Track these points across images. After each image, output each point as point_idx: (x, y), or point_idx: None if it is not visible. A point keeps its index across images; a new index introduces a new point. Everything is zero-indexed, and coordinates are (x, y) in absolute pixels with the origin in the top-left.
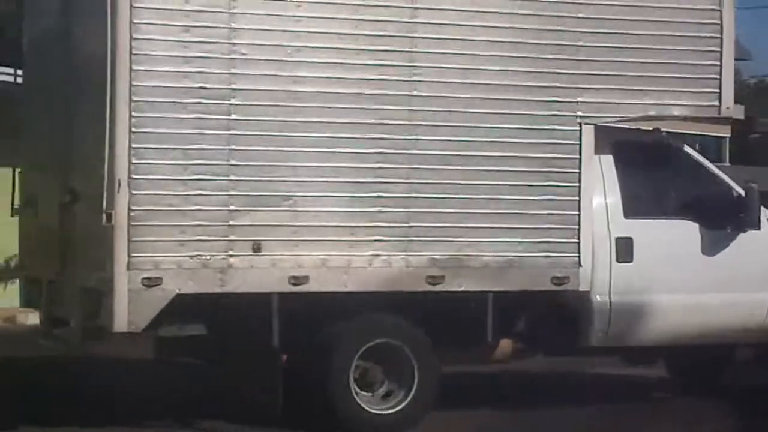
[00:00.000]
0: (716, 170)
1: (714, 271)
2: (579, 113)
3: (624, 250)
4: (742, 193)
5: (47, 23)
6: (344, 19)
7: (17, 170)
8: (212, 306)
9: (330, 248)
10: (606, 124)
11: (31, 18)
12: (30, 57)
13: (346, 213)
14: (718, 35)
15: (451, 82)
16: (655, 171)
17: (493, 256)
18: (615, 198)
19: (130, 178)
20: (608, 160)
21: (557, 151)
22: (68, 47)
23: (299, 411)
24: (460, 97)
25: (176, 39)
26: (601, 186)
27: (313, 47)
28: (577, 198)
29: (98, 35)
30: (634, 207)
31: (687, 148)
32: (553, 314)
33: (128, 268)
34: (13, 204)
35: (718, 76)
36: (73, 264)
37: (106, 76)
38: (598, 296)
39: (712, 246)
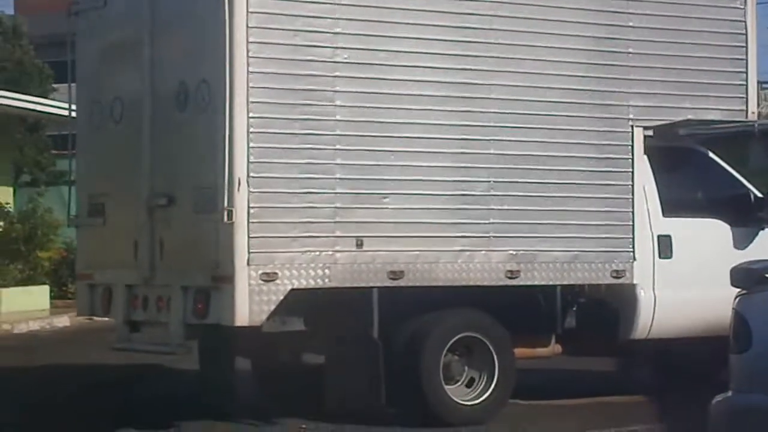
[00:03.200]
0: (736, 173)
1: None
2: (630, 116)
3: (665, 246)
4: (758, 194)
5: (120, 32)
6: (433, 26)
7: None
8: (314, 300)
9: (422, 244)
10: (653, 127)
11: (94, 30)
12: (94, 72)
13: (435, 210)
14: (744, 44)
15: (523, 86)
16: (684, 173)
17: (562, 251)
18: (654, 198)
19: (248, 176)
20: (645, 161)
21: (613, 152)
22: (151, 58)
23: (394, 401)
24: (531, 101)
25: (287, 42)
26: (642, 186)
27: (406, 52)
28: (630, 196)
29: (209, 40)
30: (670, 207)
31: (710, 153)
32: (599, 310)
33: (248, 264)
34: (69, 214)
35: (745, 83)
36: (170, 265)
37: (222, 81)
38: (642, 290)
39: (737, 242)
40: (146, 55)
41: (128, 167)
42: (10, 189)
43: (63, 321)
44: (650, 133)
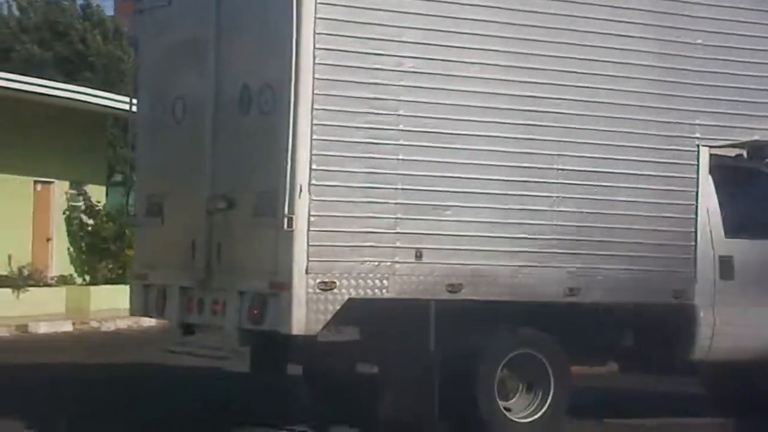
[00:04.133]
0: None
1: None
2: (697, 135)
3: (726, 267)
4: None
5: (184, 32)
6: (499, 37)
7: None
8: (370, 310)
9: (482, 258)
10: (719, 147)
11: (158, 29)
12: (156, 72)
13: (496, 224)
14: None
15: (589, 102)
16: (747, 194)
17: (622, 269)
18: (716, 218)
19: (310, 184)
20: (709, 181)
21: (678, 171)
22: (216, 60)
23: (448, 415)
24: (597, 116)
25: (354, 50)
26: (705, 206)
27: (472, 63)
28: (693, 216)
29: (275, 45)
30: (733, 227)
31: None
32: (658, 329)
33: (306, 272)
34: (127, 213)
35: None
36: (227, 269)
37: (287, 86)
38: (702, 311)
39: None
40: (210, 56)
41: (188, 168)
42: (103, 188)
43: (149, 320)
44: (714, 152)
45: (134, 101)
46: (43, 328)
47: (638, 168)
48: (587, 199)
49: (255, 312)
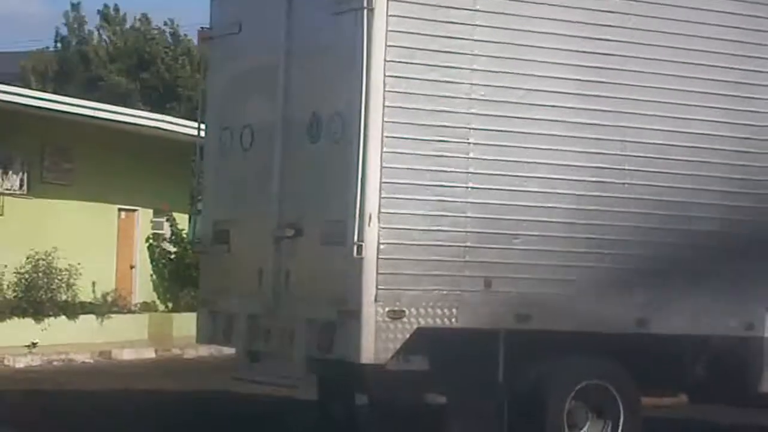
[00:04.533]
0: None
1: None
2: None
3: None
4: None
5: (253, 59)
6: (568, 65)
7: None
8: (439, 340)
9: (550, 287)
10: None
11: (227, 56)
12: (225, 99)
13: (564, 253)
14: None
15: (659, 130)
16: None
17: (692, 300)
18: None
19: (380, 211)
20: None
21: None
22: (285, 87)
23: None
24: (669, 145)
25: (424, 77)
26: None
27: (540, 90)
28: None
29: (345, 72)
30: None
31: None
32: (725, 361)
33: (375, 300)
34: (193, 239)
35: None
36: (295, 297)
37: (357, 114)
38: None
39: None
40: (279, 83)
41: (255, 195)
42: (186, 216)
43: (230, 348)
44: None
45: (202, 127)
46: (126, 355)
47: (704, 197)
48: (657, 229)
49: (324, 340)
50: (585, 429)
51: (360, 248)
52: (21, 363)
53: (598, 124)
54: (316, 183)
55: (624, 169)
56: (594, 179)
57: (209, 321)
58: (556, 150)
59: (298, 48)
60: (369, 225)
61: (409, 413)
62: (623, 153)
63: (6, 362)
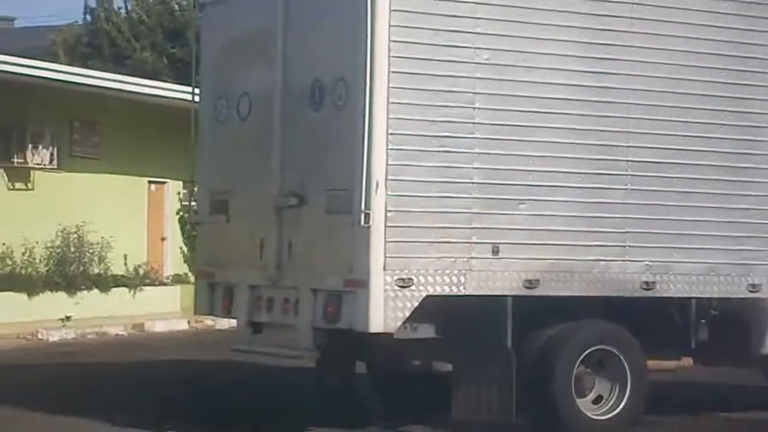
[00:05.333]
0: None
1: None
2: None
3: None
4: None
5: (250, 25)
6: (572, 28)
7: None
8: (446, 307)
9: (558, 252)
10: None
11: (221, 22)
12: (219, 67)
13: (571, 217)
14: None
15: (661, 91)
16: None
17: (698, 262)
18: None
19: (386, 179)
20: None
21: (752, 161)
22: (283, 53)
23: (524, 413)
24: (669, 106)
25: (428, 42)
26: None
27: (544, 54)
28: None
29: (348, 38)
30: None
31: None
32: (728, 323)
33: (384, 269)
34: (190, 212)
35: None
36: (298, 267)
37: (362, 80)
38: None
39: None
40: (278, 49)
41: (255, 165)
42: None
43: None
44: None
45: (197, 95)
46: (159, 327)
47: (712, 158)
48: (660, 191)
49: (330, 310)
50: (592, 393)
51: (367, 216)
52: (55, 336)
53: (603, 87)
54: (320, 151)
55: (629, 131)
56: (599, 142)
57: (208, 292)
58: (561, 113)
59: (297, 12)
60: (376, 193)
61: (408, 381)
62: (628, 115)
63: (40, 336)
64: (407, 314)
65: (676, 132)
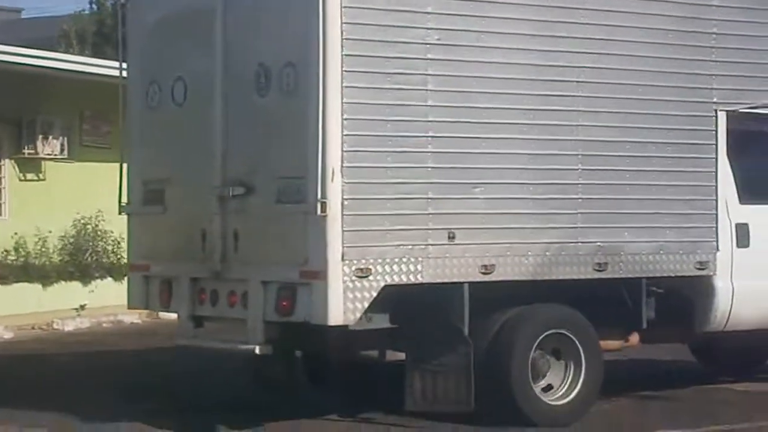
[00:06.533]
0: None
1: None
2: (715, 99)
3: (742, 235)
4: None
5: (184, 4)
6: (522, 5)
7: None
8: (401, 296)
9: (513, 236)
10: (738, 110)
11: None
12: (150, 49)
13: (524, 200)
14: None
15: (609, 69)
16: (756, 158)
17: (648, 241)
18: (731, 185)
19: (342, 166)
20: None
21: (698, 137)
22: (223, 36)
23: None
24: (617, 84)
25: (379, 23)
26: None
27: (495, 32)
28: (714, 183)
29: (297, 20)
30: (746, 193)
31: None
32: (678, 301)
33: (342, 259)
34: (120, 201)
35: None
36: (246, 259)
37: (314, 64)
38: (720, 281)
39: None
40: (217, 31)
41: (194, 153)
42: None
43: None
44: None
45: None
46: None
47: (659, 136)
48: (609, 170)
49: (284, 303)
50: (548, 377)
51: (324, 205)
52: (70, 326)
53: (554, 65)
54: (267, 139)
55: (579, 110)
56: (550, 122)
57: (142, 285)
58: (512, 93)
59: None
60: (332, 181)
61: (356, 371)
62: (578, 94)
63: (56, 326)
64: (366, 305)
65: (624, 110)
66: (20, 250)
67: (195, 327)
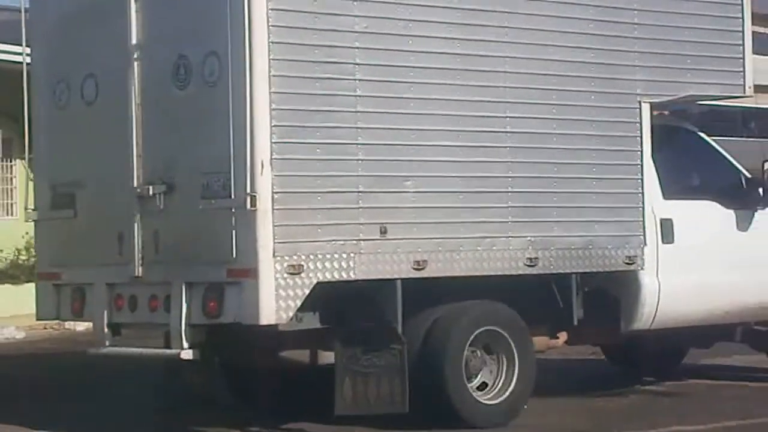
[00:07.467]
0: (725, 153)
1: (742, 250)
2: (638, 91)
3: (667, 230)
4: (748, 175)
5: (86, 4)
6: None
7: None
8: (331, 294)
9: (444, 231)
10: (661, 102)
11: None
12: (54, 45)
13: (455, 193)
14: (740, 16)
15: (532, 59)
16: (676, 153)
17: (577, 236)
18: (654, 179)
19: (272, 158)
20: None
21: (622, 129)
22: (137, 28)
23: (417, 400)
24: (540, 74)
25: (306, 10)
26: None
27: (422, 21)
28: (640, 177)
29: (219, 8)
30: (670, 188)
31: (698, 131)
32: (604, 298)
33: (273, 255)
34: (26, 206)
35: (742, 57)
36: (168, 260)
37: (240, 53)
38: (647, 277)
39: (735, 225)
40: (130, 23)
41: (107, 153)
42: None
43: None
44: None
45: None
46: None
47: (583, 127)
48: (537, 162)
49: (211, 304)
50: (481, 374)
51: (253, 199)
52: (81, 326)
53: (481, 55)
54: (188, 132)
55: (506, 101)
56: (478, 113)
57: (52, 295)
58: (440, 84)
59: None
60: (261, 174)
61: (280, 376)
62: (505, 84)
63: (67, 326)
64: (299, 303)
65: (551, 101)
66: (31, 249)
67: (113, 335)
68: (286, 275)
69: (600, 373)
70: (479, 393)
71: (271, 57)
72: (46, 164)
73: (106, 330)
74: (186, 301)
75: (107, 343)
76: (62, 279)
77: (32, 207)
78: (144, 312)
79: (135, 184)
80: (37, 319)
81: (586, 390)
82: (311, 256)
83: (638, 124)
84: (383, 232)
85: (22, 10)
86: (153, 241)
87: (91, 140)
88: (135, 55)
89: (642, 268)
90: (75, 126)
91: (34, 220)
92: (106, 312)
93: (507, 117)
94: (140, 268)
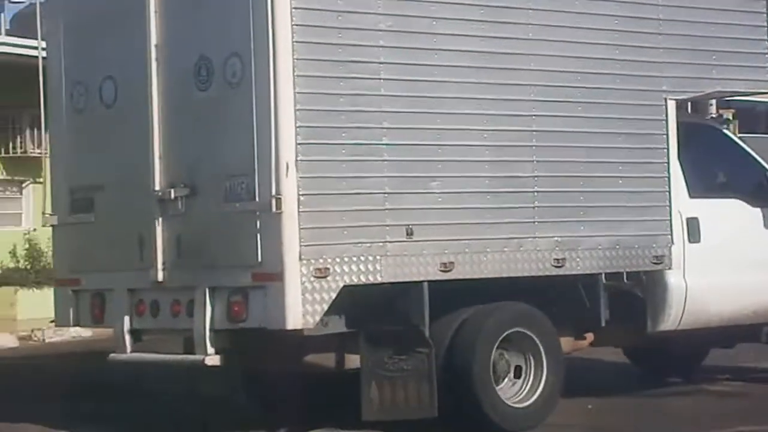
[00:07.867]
0: (750, 150)
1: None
2: (664, 88)
3: (693, 229)
4: None
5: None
6: None
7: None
8: (358, 297)
9: (471, 232)
10: (687, 99)
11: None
12: (73, 46)
13: (481, 194)
14: (764, 11)
15: (559, 56)
16: (701, 151)
17: (604, 236)
18: (680, 178)
19: (297, 160)
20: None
21: (648, 127)
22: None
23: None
24: (566, 72)
25: (330, 8)
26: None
27: (447, 19)
28: (666, 175)
29: (242, 7)
30: (695, 187)
31: (725, 129)
32: (626, 299)
33: (300, 259)
34: (44, 211)
35: (767, 53)
36: (191, 264)
37: (263, 53)
38: (673, 277)
39: (761, 223)
40: (150, 26)
41: (128, 156)
42: None
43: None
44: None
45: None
46: None
47: (610, 126)
48: (564, 161)
49: (236, 309)
50: (510, 377)
51: (279, 202)
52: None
53: (507, 53)
54: (210, 135)
55: (532, 100)
56: (505, 112)
57: (71, 301)
58: (466, 82)
59: None
60: (287, 176)
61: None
62: (531, 82)
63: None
64: (325, 307)
65: (577, 99)
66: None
67: (135, 341)
68: (312, 279)
69: (630, 373)
70: (508, 396)
71: (294, 57)
72: (64, 168)
73: (127, 336)
74: (210, 306)
75: (129, 350)
76: (81, 285)
77: (50, 212)
78: (166, 317)
79: (156, 188)
80: (56, 326)
81: (614, 391)
82: (337, 259)
83: (664, 122)
84: (410, 233)
85: (38, 5)
86: (175, 245)
87: (110, 143)
88: (155, 57)
89: (669, 268)
90: (94, 129)
91: (52, 225)
92: (127, 318)
93: (533, 116)
94: (162, 273)
